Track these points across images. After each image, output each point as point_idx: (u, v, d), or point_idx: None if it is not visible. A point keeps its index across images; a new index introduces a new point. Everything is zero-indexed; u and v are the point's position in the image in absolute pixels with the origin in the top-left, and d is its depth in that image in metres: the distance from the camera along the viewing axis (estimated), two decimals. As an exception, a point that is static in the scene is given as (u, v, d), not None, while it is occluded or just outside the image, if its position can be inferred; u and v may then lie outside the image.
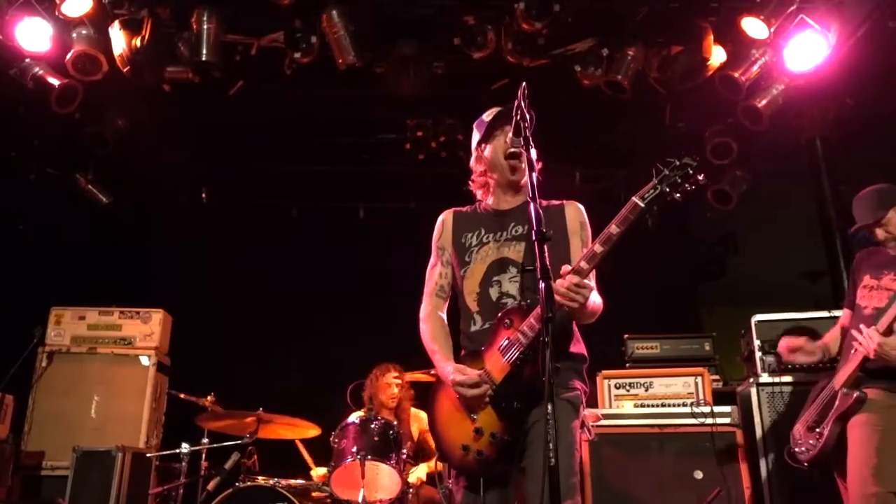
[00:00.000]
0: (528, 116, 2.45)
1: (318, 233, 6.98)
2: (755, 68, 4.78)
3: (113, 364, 5.55)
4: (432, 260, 2.89)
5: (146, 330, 5.69)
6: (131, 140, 5.91)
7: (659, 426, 4.33)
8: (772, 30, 4.59)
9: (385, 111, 6.03)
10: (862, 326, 3.23)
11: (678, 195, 2.36)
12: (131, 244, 6.73)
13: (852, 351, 3.28)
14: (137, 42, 4.69)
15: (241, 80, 5.44)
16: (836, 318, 3.83)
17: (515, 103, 2.48)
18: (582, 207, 2.81)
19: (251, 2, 4.85)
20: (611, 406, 4.59)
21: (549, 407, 1.99)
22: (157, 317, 5.73)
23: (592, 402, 4.56)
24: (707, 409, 4.29)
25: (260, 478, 4.31)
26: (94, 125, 5.68)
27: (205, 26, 4.76)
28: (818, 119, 5.58)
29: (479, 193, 2.90)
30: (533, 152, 2.46)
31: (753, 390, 4.27)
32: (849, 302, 3.60)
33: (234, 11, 4.88)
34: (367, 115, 6.24)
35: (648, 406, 4.54)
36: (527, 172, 2.42)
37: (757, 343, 4.47)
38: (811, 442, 3.39)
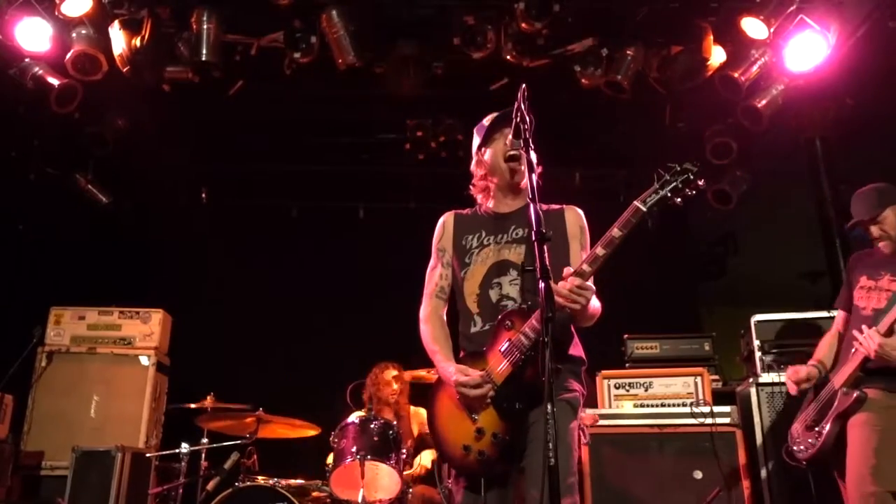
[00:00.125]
0: (527, 119, 2.46)
1: (318, 233, 6.97)
2: (755, 68, 4.78)
3: (112, 364, 5.55)
4: (432, 261, 2.89)
5: (146, 330, 5.69)
6: (131, 140, 5.91)
7: (658, 426, 4.33)
8: (771, 30, 4.59)
9: (385, 111, 6.03)
10: (864, 327, 3.24)
11: (679, 200, 2.41)
12: (131, 244, 6.73)
13: (852, 351, 3.30)
14: (137, 42, 4.69)
15: (240, 80, 5.43)
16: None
17: (515, 105, 2.48)
18: (581, 212, 2.82)
19: (251, 2, 4.85)
20: (610, 406, 4.59)
21: (549, 407, 2.00)
22: (156, 317, 5.73)
23: (592, 402, 4.56)
24: (707, 409, 4.29)
25: (260, 478, 4.32)
26: (93, 125, 5.68)
27: (205, 26, 4.76)
28: (818, 119, 5.58)
29: (479, 198, 2.90)
30: (532, 155, 2.46)
31: (753, 390, 4.29)
32: (843, 303, 3.61)
33: (234, 11, 4.88)
34: (366, 115, 6.24)
35: (648, 406, 4.54)
36: (526, 174, 2.43)
37: (756, 343, 4.49)
38: (810, 440, 3.40)
